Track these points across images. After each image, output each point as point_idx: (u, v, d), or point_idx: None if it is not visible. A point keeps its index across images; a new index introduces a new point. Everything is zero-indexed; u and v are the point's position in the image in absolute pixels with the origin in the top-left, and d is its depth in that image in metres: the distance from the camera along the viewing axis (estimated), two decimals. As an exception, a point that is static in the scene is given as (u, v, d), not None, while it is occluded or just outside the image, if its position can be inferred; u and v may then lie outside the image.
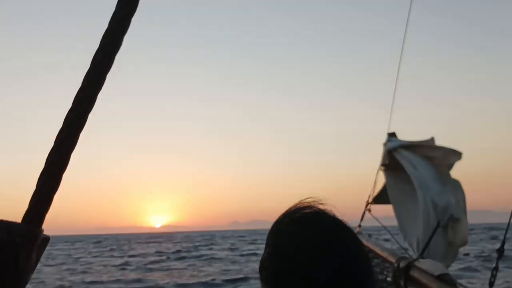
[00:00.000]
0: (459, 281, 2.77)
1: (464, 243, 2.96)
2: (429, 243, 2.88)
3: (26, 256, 0.51)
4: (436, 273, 2.70)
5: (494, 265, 2.41)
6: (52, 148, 0.57)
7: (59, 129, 0.59)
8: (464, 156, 2.96)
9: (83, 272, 25.11)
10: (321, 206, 0.89)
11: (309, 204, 0.89)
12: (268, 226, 0.92)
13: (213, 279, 20.03)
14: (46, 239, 0.56)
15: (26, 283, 0.53)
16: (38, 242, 0.54)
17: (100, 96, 0.60)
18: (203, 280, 20.04)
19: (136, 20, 0.63)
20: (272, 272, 0.85)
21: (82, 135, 0.59)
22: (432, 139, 3.17)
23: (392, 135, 3.25)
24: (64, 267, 28.30)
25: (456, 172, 3.06)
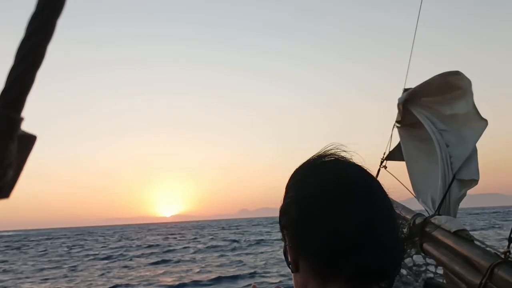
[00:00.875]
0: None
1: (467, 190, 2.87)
2: (444, 199, 2.83)
3: (1, 146, 0.40)
4: (453, 229, 2.65)
5: None
6: (34, 12, 0.42)
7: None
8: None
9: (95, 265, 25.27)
10: (343, 154, 0.89)
11: (330, 152, 0.89)
12: (278, 214, 0.89)
13: (240, 271, 19.42)
14: (33, 137, 0.44)
15: (6, 181, 0.42)
16: (16, 131, 0.41)
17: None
18: (232, 272, 19.79)
19: None
20: (295, 217, 0.82)
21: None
22: (458, 72, 2.72)
23: (407, 91, 3.15)
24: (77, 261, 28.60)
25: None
